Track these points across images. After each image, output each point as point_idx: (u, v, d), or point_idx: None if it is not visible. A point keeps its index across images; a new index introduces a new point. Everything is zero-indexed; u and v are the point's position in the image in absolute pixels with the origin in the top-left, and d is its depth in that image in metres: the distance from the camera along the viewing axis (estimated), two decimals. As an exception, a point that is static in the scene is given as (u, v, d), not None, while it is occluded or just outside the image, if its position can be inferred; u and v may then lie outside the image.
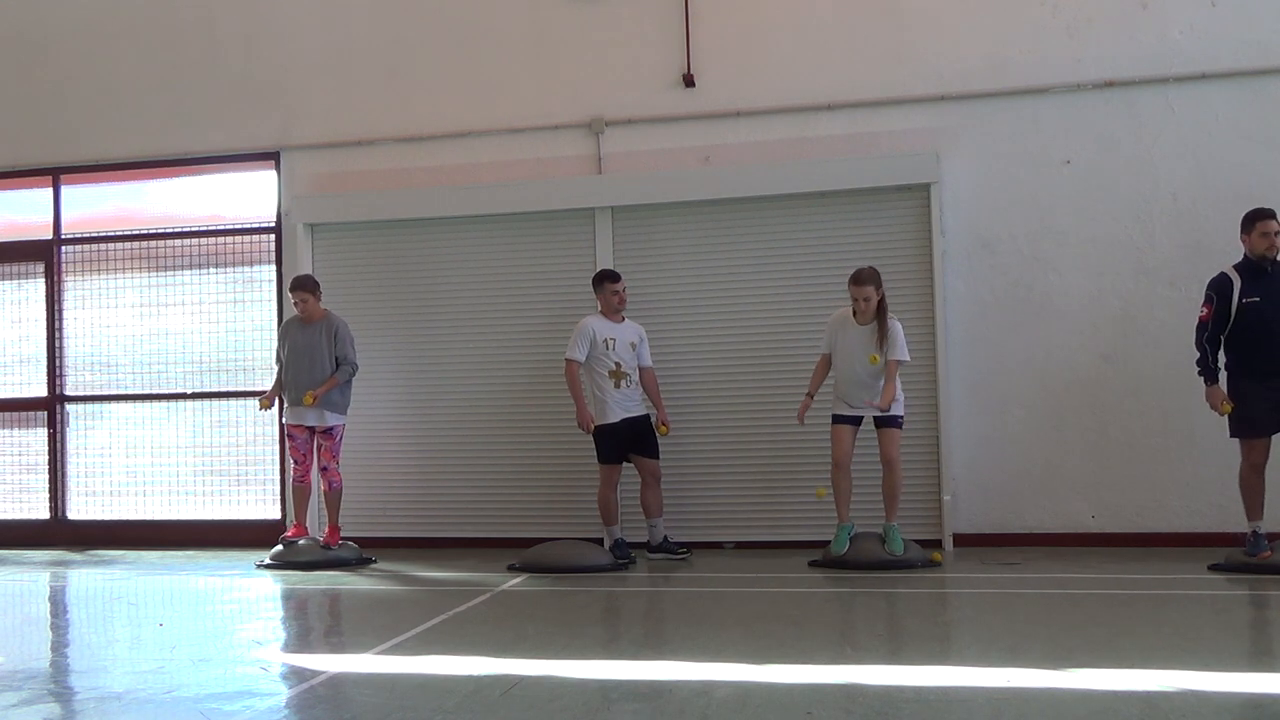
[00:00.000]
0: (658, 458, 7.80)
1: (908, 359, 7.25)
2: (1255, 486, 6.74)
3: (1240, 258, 6.79)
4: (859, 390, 7.22)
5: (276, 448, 8.98)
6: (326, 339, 8.12)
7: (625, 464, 7.78)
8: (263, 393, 8.45)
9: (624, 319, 7.87)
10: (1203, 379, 6.83)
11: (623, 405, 7.70)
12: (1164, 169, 7.81)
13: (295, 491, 8.36)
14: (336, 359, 8.11)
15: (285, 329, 8.37)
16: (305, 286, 8.18)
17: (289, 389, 8.21)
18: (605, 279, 7.87)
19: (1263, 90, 7.70)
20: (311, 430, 8.18)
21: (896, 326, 7.21)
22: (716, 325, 8.30)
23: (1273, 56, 7.68)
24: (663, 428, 7.84)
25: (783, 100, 8.35)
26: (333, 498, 8.18)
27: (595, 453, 7.78)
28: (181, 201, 9.53)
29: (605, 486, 7.74)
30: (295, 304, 8.18)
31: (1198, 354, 6.84)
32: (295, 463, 8.30)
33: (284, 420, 8.36)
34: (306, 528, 8.29)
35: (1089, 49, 7.94)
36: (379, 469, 8.79)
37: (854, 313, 7.25)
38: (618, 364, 7.71)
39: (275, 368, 8.41)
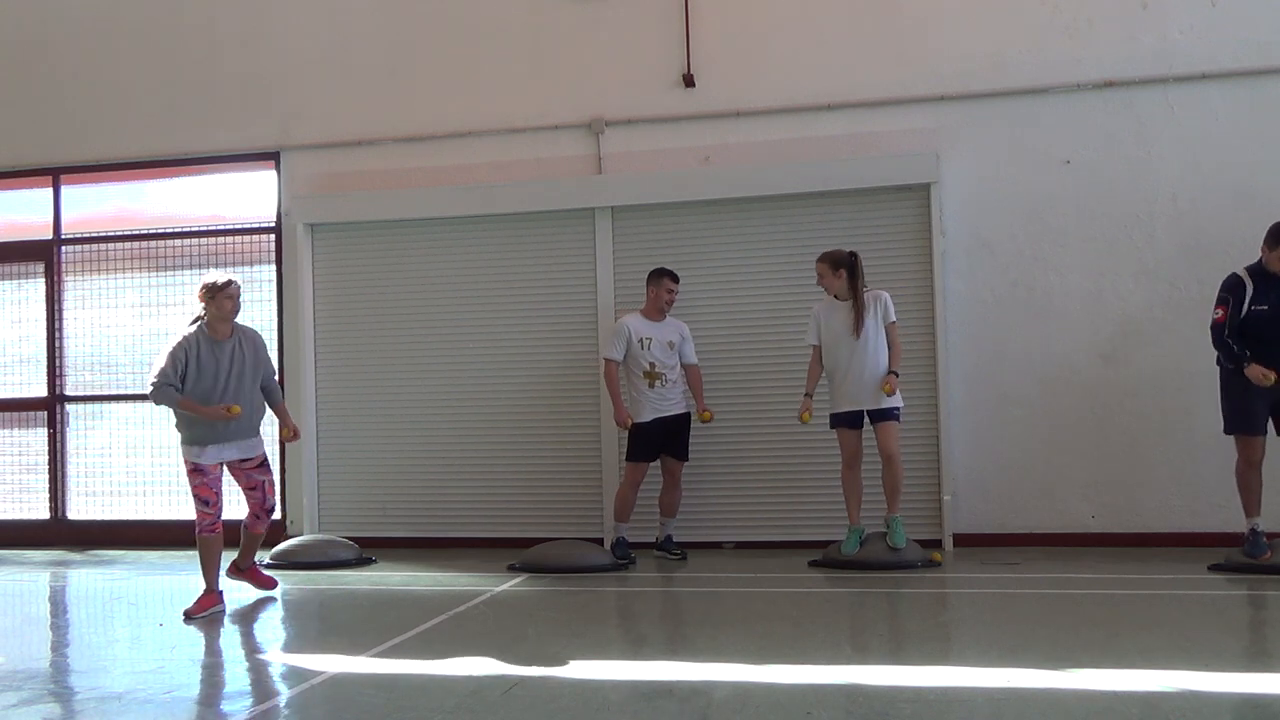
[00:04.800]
0: (686, 460, 7.81)
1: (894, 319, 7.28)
2: (1252, 483, 6.76)
3: (1255, 260, 6.73)
4: (853, 379, 7.19)
5: (276, 448, 8.94)
6: (251, 354, 6.52)
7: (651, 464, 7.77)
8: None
9: (665, 317, 7.84)
10: (1239, 366, 6.65)
11: (655, 405, 7.69)
12: (1164, 169, 7.81)
13: (204, 545, 6.46)
14: (263, 381, 6.63)
15: (194, 347, 6.37)
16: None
17: (208, 424, 6.41)
18: (664, 274, 7.83)
19: (1263, 90, 7.70)
20: (223, 464, 6.56)
21: (881, 294, 7.25)
22: (716, 325, 8.29)
23: (1273, 56, 7.67)
24: (705, 414, 7.73)
25: (783, 100, 8.35)
26: (259, 538, 6.83)
27: (624, 450, 7.82)
28: (182, 201, 9.52)
29: (627, 484, 7.74)
30: (228, 305, 6.41)
31: (1219, 353, 6.76)
32: (206, 504, 6.43)
33: (192, 460, 6.45)
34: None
35: (1089, 49, 7.94)
36: (379, 469, 8.78)
37: (834, 296, 7.31)
38: (652, 364, 7.69)
39: (174, 388, 6.32)
